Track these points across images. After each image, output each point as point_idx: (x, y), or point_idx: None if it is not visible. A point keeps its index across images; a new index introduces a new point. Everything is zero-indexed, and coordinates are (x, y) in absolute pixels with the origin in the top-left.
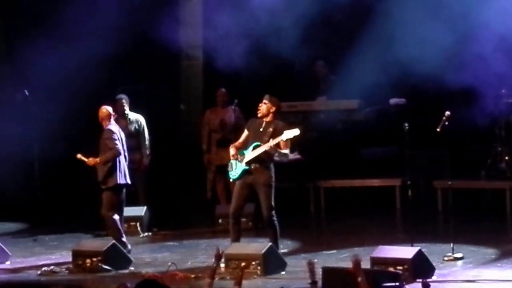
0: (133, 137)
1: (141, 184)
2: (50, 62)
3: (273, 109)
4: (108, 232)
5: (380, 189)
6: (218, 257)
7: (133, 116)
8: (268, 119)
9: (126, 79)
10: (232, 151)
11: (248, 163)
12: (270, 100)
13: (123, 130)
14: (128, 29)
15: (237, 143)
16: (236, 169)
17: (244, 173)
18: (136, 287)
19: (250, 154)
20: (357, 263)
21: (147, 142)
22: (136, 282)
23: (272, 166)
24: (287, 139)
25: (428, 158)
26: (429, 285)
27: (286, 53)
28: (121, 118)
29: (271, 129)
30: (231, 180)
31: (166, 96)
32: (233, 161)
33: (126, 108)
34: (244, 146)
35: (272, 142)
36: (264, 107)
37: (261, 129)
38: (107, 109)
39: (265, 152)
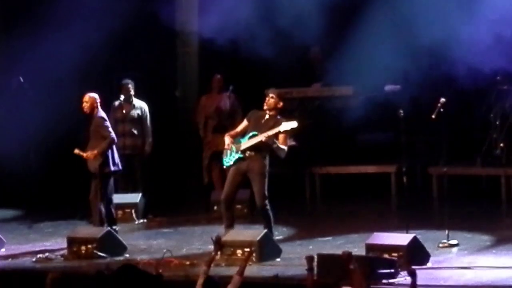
0: (136, 123)
1: (141, 171)
2: (45, 48)
3: (280, 105)
4: (93, 219)
5: (375, 175)
6: (218, 246)
7: (137, 102)
8: (272, 113)
9: (121, 66)
10: (227, 140)
11: (243, 151)
12: (278, 95)
13: (126, 115)
14: (123, 16)
15: (232, 132)
16: (230, 157)
17: (239, 160)
18: (116, 272)
19: (246, 142)
20: (349, 255)
21: (149, 129)
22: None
23: (267, 156)
24: (285, 133)
25: (424, 145)
26: (415, 273)
27: (282, 38)
28: (126, 103)
29: (272, 123)
30: (224, 166)
31: (162, 83)
32: (228, 149)
33: (132, 93)
34: (241, 135)
35: (270, 133)
36: (272, 101)
37: (262, 121)
38: (94, 96)
39: (262, 142)
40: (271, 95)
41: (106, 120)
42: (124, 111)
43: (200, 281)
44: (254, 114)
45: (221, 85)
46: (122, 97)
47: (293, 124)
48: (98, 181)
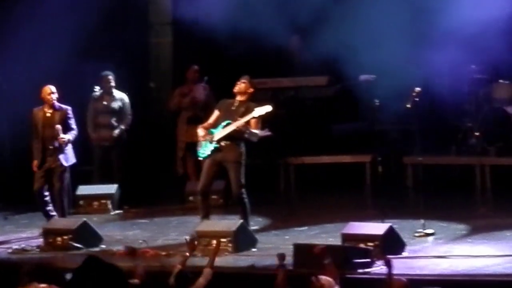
0: (115, 114)
1: (118, 162)
2: (17, 42)
3: (251, 90)
4: (58, 207)
5: (350, 165)
6: (192, 247)
7: (118, 94)
8: (242, 98)
9: (94, 57)
10: (201, 132)
11: (218, 141)
12: (250, 81)
13: (107, 106)
14: (96, 7)
15: (206, 124)
16: (205, 148)
17: (214, 150)
18: (82, 265)
19: (220, 132)
20: (322, 249)
21: (129, 122)
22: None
23: (242, 144)
24: (258, 118)
25: (398, 134)
26: (391, 262)
27: (258, 28)
28: (106, 95)
29: (243, 109)
30: (200, 158)
31: (135, 74)
32: (201, 140)
33: (112, 84)
34: (214, 126)
35: (243, 120)
36: (242, 85)
37: (233, 108)
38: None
39: (236, 130)
40: (242, 80)
41: None
42: (105, 103)
43: (172, 280)
44: (224, 103)
45: (197, 76)
46: (97, 88)
47: (267, 108)
48: (64, 172)
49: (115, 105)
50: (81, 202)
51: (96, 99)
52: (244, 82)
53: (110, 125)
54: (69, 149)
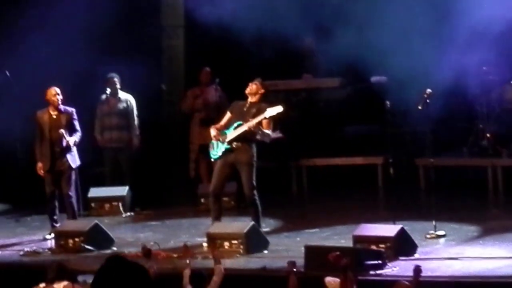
0: (122, 116)
1: (127, 164)
2: (30, 43)
3: (262, 91)
4: (68, 211)
5: (362, 167)
6: (189, 254)
7: (123, 95)
8: (253, 99)
9: (106, 60)
10: (213, 132)
11: (229, 142)
12: (262, 83)
13: (112, 109)
14: (108, 9)
15: (218, 125)
16: (217, 149)
17: (226, 152)
18: (105, 263)
19: (232, 133)
20: (337, 257)
21: (136, 123)
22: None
23: (254, 145)
24: (270, 118)
25: (410, 136)
26: (421, 269)
27: (271, 30)
28: (112, 97)
29: (254, 110)
30: (212, 159)
31: (148, 76)
32: (214, 142)
33: (118, 86)
34: (226, 128)
35: (255, 120)
36: (254, 86)
37: (245, 109)
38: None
39: (247, 131)
40: (255, 82)
41: None
42: (110, 105)
43: (186, 280)
44: (236, 105)
45: (210, 78)
46: (108, 91)
47: (278, 108)
48: (71, 174)
49: (121, 106)
50: (92, 204)
51: (103, 102)
52: (255, 84)
53: (116, 127)
54: (74, 151)
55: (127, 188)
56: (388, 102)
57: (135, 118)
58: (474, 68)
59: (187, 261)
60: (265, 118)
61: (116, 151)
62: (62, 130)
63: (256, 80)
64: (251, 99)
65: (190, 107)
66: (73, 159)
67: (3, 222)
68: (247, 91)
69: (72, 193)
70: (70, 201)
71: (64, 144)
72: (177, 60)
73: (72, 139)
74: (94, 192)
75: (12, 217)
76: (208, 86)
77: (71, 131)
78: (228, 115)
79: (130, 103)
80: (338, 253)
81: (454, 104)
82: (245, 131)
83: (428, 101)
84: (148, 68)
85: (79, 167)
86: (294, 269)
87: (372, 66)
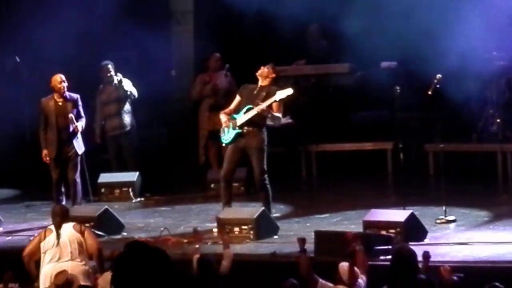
0: (121, 102)
1: (129, 149)
2: (40, 29)
3: (273, 75)
4: (73, 196)
5: (371, 152)
6: (199, 239)
7: (117, 80)
8: (264, 83)
9: (116, 46)
10: (223, 117)
11: (240, 127)
12: (273, 67)
13: (109, 96)
14: None
15: (227, 110)
16: (228, 134)
17: (237, 137)
18: (126, 248)
19: (242, 117)
20: (355, 236)
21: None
22: (126, 243)
23: (264, 130)
24: (280, 101)
25: (420, 121)
26: (429, 255)
27: (279, 15)
28: (108, 85)
29: (264, 93)
30: (223, 144)
31: (157, 62)
32: (225, 127)
33: (112, 73)
34: (235, 112)
35: (265, 103)
36: (265, 70)
37: (255, 92)
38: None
39: (258, 114)
40: (266, 66)
41: None
42: (107, 93)
43: (195, 265)
44: (245, 88)
45: (219, 64)
46: (120, 75)
47: (289, 91)
48: (77, 160)
49: (117, 93)
50: (102, 190)
51: (100, 92)
52: (267, 68)
53: (116, 114)
54: (80, 137)
55: (137, 173)
56: (397, 88)
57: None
58: (484, 53)
59: (197, 246)
60: (275, 101)
61: (118, 137)
62: (71, 115)
63: (269, 64)
64: (261, 82)
65: (199, 94)
66: (79, 146)
67: (13, 207)
68: (258, 73)
69: (78, 179)
70: (75, 187)
71: (72, 129)
72: (187, 45)
73: (79, 124)
74: (104, 177)
75: (22, 203)
76: (217, 72)
77: (77, 117)
78: (237, 98)
79: (124, 83)
80: (357, 234)
81: (464, 90)
82: (256, 114)
83: (437, 86)
84: (157, 54)
85: (84, 154)
86: (305, 247)
87: (381, 51)
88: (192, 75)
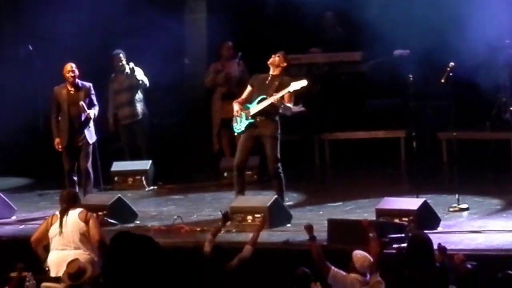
0: (133, 91)
1: (142, 137)
2: (53, 17)
3: (284, 64)
4: (84, 185)
5: (385, 141)
6: (226, 220)
7: (131, 70)
8: (275, 72)
9: (129, 34)
10: (236, 106)
11: (253, 116)
12: (284, 55)
13: (121, 85)
14: None
15: (240, 99)
16: (241, 123)
17: (249, 126)
18: (112, 240)
19: (255, 107)
20: (370, 223)
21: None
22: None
23: (277, 118)
24: (292, 92)
25: (433, 109)
26: (446, 249)
27: (293, 4)
28: (119, 73)
29: (276, 83)
30: (235, 133)
31: (170, 51)
32: (238, 116)
33: (124, 62)
34: (248, 101)
35: (279, 94)
36: (277, 58)
37: (267, 82)
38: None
39: (271, 104)
40: (277, 54)
41: None
42: (119, 82)
43: (207, 249)
44: (257, 78)
45: (232, 52)
46: (132, 64)
47: (303, 82)
48: (89, 148)
49: (128, 82)
50: (115, 178)
51: (112, 80)
52: (278, 56)
53: (128, 102)
54: (92, 126)
55: (150, 162)
56: (410, 76)
57: (141, 91)
58: (497, 41)
59: (222, 231)
60: (289, 92)
61: (130, 126)
62: (82, 103)
63: (279, 52)
64: (272, 71)
65: (212, 82)
66: (91, 135)
67: (26, 196)
68: (270, 61)
69: (90, 168)
70: (87, 176)
71: (84, 117)
72: (200, 33)
73: (92, 112)
74: (117, 166)
75: (35, 191)
76: (230, 61)
77: (89, 106)
78: (249, 88)
79: (137, 72)
80: (372, 222)
81: (477, 78)
82: (269, 105)
83: (450, 74)
84: (170, 42)
85: (97, 142)
86: (312, 234)
87: (394, 39)
88: (205, 63)
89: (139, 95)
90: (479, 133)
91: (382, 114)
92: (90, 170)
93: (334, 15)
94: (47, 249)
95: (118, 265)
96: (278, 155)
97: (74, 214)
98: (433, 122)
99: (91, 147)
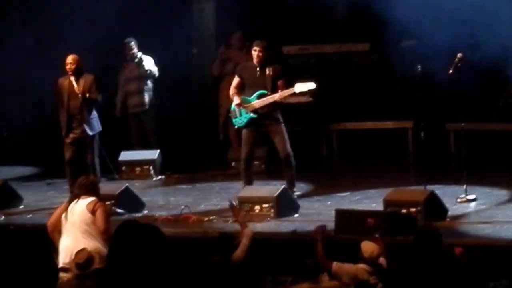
0: (142, 80)
1: (150, 126)
2: (61, 6)
3: (267, 55)
4: (93, 176)
5: (392, 131)
6: (234, 210)
7: (142, 59)
8: (260, 63)
9: (137, 24)
10: (236, 100)
11: (255, 111)
12: (264, 47)
13: (131, 74)
14: None
15: (235, 91)
16: (241, 117)
17: (251, 121)
18: (117, 229)
19: (257, 102)
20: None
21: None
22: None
23: (277, 105)
24: (301, 93)
25: (441, 100)
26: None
27: None
28: (130, 62)
29: (269, 73)
30: (236, 127)
31: (178, 40)
32: (237, 109)
33: (135, 51)
34: (240, 92)
35: (283, 94)
36: (260, 54)
37: (257, 75)
38: (77, 56)
39: (275, 101)
40: (256, 48)
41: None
42: (129, 70)
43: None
44: (245, 70)
45: (242, 42)
46: (139, 54)
47: (311, 85)
48: (93, 140)
49: (140, 70)
50: (123, 168)
51: (123, 68)
52: (259, 51)
53: (137, 91)
54: (94, 117)
55: (158, 151)
56: (419, 66)
57: (151, 81)
58: (504, 32)
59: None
60: (294, 93)
61: (138, 115)
62: (80, 91)
63: (257, 45)
64: (256, 62)
65: (219, 70)
66: (91, 127)
67: (34, 185)
68: (256, 61)
69: (94, 160)
70: (94, 170)
71: (83, 109)
72: (208, 23)
73: (93, 96)
74: (125, 155)
75: (43, 180)
76: (239, 51)
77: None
78: (237, 79)
79: (148, 63)
80: (376, 220)
81: (485, 69)
82: (273, 101)
83: (459, 65)
84: (178, 31)
85: (105, 130)
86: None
87: (403, 30)
88: (213, 52)
89: (148, 85)
90: (487, 124)
91: (390, 105)
92: (95, 162)
93: (344, 4)
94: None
95: (122, 254)
96: (288, 141)
97: (83, 203)
98: (441, 113)
99: (93, 139)
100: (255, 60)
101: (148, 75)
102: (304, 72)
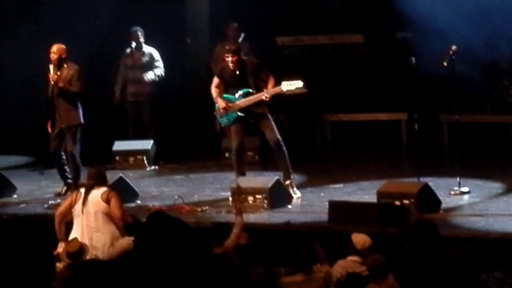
0: (146, 70)
1: (149, 117)
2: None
3: (240, 56)
4: (73, 168)
5: (386, 123)
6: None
7: (147, 49)
8: (234, 65)
9: (130, 13)
10: (222, 103)
11: (241, 110)
12: (235, 52)
13: (136, 62)
14: None
15: (217, 92)
16: (228, 116)
17: (237, 119)
18: (148, 219)
19: (243, 101)
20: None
21: (159, 73)
22: (148, 215)
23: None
24: (288, 92)
25: (435, 92)
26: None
27: None
28: (136, 51)
29: (248, 68)
30: (222, 125)
31: (172, 30)
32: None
33: (142, 40)
34: (224, 92)
35: (270, 92)
36: (234, 59)
37: (237, 74)
38: (62, 46)
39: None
40: (228, 55)
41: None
42: (134, 58)
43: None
44: (224, 72)
45: (237, 34)
46: (134, 44)
47: (298, 84)
48: (73, 131)
49: (145, 60)
50: (117, 158)
51: (126, 56)
52: (232, 56)
53: (140, 80)
54: (76, 108)
55: (151, 141)
56: (413, 58)
57: (158, 72)
58: (500, 24)
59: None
60: (281, 91)
61: (138, 104)
62: (60, 82)
63: (229, 52)
64: (238, 70)
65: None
66: (74, 117)
67: (27, 174)
68: (232, 66)
69: (75, 151)
70: (73, 159)
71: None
72: (202, 12)
73: (72, 88)
74: (119, 145)
75: (36, 170)
76: (235, 42)
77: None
78: (217, 80)
79: (154, 56)
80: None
81: (479, 61)
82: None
83: (453, 57)
84: (171, 21)
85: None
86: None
87: (397, 21)
88: (208, 42)
89: (150, 75)
90: (480, 116)
91: (383, 96)
92: (76, 153)
93: None
94: (68, 226)
95: (151, 243)
96: (277, 131)
97: (97, 194)
98: (435, 105)
99: (76, 129)
100: (231, 66)
101: (156, 64)
102: (298, 63)
